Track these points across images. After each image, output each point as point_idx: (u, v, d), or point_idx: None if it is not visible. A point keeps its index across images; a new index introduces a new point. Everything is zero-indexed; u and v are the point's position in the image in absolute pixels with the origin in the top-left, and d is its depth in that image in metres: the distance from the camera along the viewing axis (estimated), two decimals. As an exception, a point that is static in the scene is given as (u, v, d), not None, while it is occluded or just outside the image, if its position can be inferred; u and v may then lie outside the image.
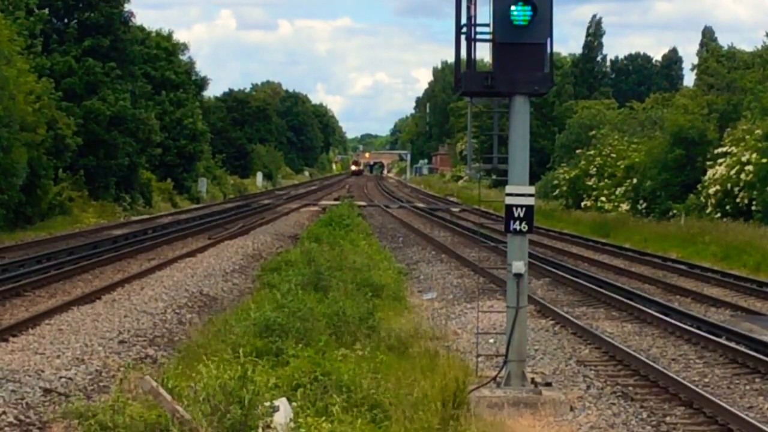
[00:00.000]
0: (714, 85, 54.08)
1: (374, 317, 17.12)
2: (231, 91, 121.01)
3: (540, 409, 13.16)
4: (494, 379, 13.68)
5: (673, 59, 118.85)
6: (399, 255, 34.53)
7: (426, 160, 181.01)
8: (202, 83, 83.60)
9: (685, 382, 14.36)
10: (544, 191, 64.80)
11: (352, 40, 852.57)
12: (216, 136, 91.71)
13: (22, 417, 12.73)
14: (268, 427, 9.53)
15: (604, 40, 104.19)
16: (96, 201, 52.60)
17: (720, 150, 45.06)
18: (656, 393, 14.40)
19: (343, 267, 23.49)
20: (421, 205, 73.08)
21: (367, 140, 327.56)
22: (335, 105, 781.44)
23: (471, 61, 13.74)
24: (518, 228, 13.50)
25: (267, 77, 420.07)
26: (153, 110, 63.34)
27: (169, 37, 76.05)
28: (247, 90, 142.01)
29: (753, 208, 41.29)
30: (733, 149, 43.76)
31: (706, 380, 15.36)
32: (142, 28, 69.46)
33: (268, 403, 9.71)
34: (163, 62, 72.67)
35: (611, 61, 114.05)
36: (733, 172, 42.63)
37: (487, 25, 13.50)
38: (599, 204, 57.21)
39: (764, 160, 40.82)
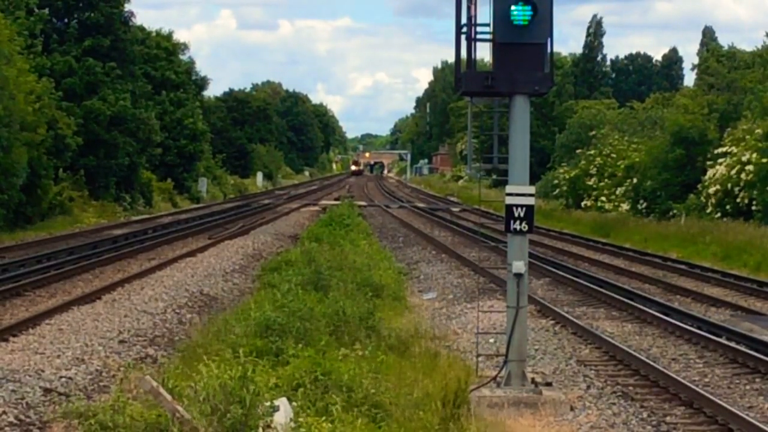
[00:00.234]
0: (714, 85, 54.06)
1: (374, 317, 17.12)
2: (231, 91, 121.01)
3: (540, 409, 13.16)
4: (494, 378, 13.68)
5: (673, 59, 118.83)
6: (399, 255, 34.53)
7: (426, 160, 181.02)
8: (202, 83, 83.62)
9: (685, 382, 14.36)
10: (544, 191, 64.78)
11: (352, 40, 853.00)
12: (216, 136, 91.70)
13: (22, 417, 12.74)
14: (269, 426, 9.53)
15: (605, 40, 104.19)
16: (96, 201, 52.60)
17: (720, 150, 45.04)
18: (656, 393, 14.40)
19: (343, 267, 23.50)
20: (421, 205, 73.07)
21: (368, 140, 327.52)
22: (335, 105, 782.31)
23: (471, 61, 13.74)
24: (518, 228, 13.50)
25: (267, 77, 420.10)
26: (153, 110, 63.34)
27: (169, 37, 76.05)
28: (248, 90, 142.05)
29: (753, 207, 41.28)
30: (734, 149, 43.74)
31: (707, 380, 15.36)
32: (142, 28, 69.47)
33: (268, 403, 9.71)
34: (163, 62, 72.67)
35: (611, 61, 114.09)
36: (733, 171, 42.61)
37: (488, 25, 13.50)
38: (599, 204, 57.19)
39: (764, 160, 40.80)
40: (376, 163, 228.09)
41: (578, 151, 64.80)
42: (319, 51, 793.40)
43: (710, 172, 44.85)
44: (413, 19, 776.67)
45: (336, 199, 71.49)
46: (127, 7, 56.98)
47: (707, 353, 17.22)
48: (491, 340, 17.36)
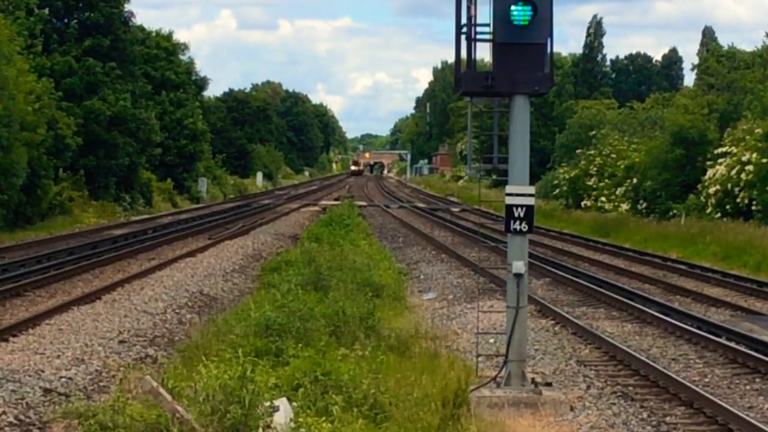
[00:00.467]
0: (714, 85, 54.06)
1: (374, 317, 17.12)
2: (231, 91, 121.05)
3: (540, 409, 13.15)
4: (494, 379, 13.68)
5: (673, 59, 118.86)
6: (399, 255, 34.53)
7: (426, 160, 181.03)
8: (202, 83, 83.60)
9: (685, 382, 14.36)
10: (544, 191, 64.78)
11: (352, 40, 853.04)
12: (216, 136, 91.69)
13: (22, 417, 12.74)
14: (268, 427, 9.53)
15: (605, 40, 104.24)
16: (96, 201, 52.60)
17: (720, 150, 45.04)
18: (656, 393, 14.40)
19: (343, 267, 23.50)
20: (421, 205, 73.08)
21: (368, 140, 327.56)
22: (335, 105, 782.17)
23: (471, 61, 13.74)
24: (518, 228, 13.50)
25: (267, 77, 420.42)
26: (153, 110, 63.34)
27: (169, 37, 76.07)
28: (248, 90, 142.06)
29: (753, 208, 41.28)
30: (734, 149, 43.74)
31: (707, 380, 15.36)
32: (142, 28, 69.48)
33: (268, 403, 9.71)
34: (163, 62, 72.67)
35: (611, 61, 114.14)
36: (733, 172, 42.61)
37: (488, 25, 13.49)
38: (599, 204, 57.19)
39: (764, 160, 40.81)
40: (376, 163, 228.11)
41: (578, 151, 64.81)
42: (319, 51, 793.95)
43: (710, 172, 44.85)
44: (413, 19, 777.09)
45: (336, 199, 71.50)
46: (127, 7, 57.09)
47: (707, 353, 17.22)
48: (491, 340, 17.36)
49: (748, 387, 14.94)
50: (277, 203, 68.66)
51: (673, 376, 14.80)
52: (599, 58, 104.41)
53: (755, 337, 17.82)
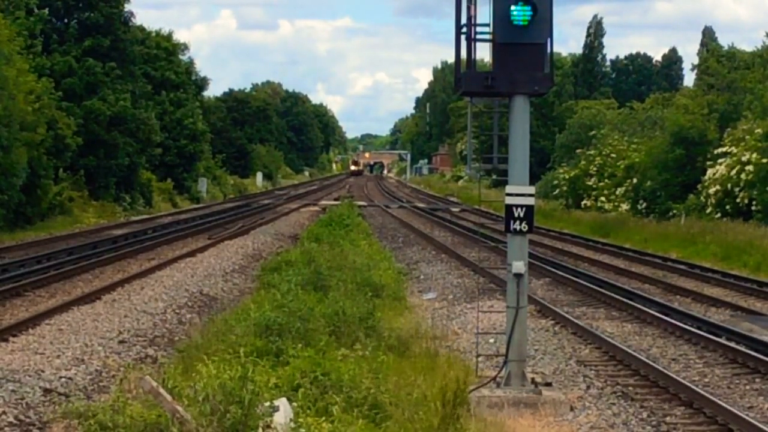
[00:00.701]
0: (714, 85, 54.04)
1: (374, 317, 17.12)
2: (231, 91, 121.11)
3: (540, 409, 13.15)
4: (494, 379, 13.68)
5: (673, 59, 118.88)
6: (399, 255, 34.53)
7: (426, 160, 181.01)
8: (202, 83, 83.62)
9: (685, 382, 14.36)
10: (544, 191, 64.77)
11: (352, 40, 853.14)
12: (216, 136, 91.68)
13: (22, 417, 12.74)
14: (268, 427, 9.53)
15: (605, 40, 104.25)
16: (96, 201, 52.61)
17: (720, 150, 45.04)
18: (656, 393, 14.40)
19: (343, 267, 23.49)
20: (421, 205, 73.08)
21: (368, 140, 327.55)
22: (335, 105, 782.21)
23: (471, 61, 13.74)
24: (518, 228, 13.50)
25: (267, 77, 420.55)
26: (153, 110, 63.34)
27: (169, 37, 76.07)
28: (248, 90, 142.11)
29: (753, 208, 41.28)
30: (733, 149, 43.74)
31: (706, 380, 15.36)
32: (142, 28, 69.48)
33: (268, 403, 9.71)
34: (163, 62, 72.67)
35: (611, 61, 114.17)
36: (733, 172, 42.61)
37: (487, 25, 13.49)
38: (599, 204, 57.19)
39: (764, 160, 40.80)
40: (375, 163, 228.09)
41: (578, 151, 64.80)
42: (319, 51, 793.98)
43: (710, 172, 44.85)
44: (413, 19, 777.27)
45: (336, 199, 71.50)
46: (127, 7, 57.11)
47: (707, 353, 17.22)
48: (491, 340, 17.36)
49: (748, 387, 14.94)
50: (277, 203, 68.67)
51: (673, 376, 14.80)
52: (599, 58, 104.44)
53: (755, 337, 17.82)
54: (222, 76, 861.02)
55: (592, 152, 61.41)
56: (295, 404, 10.71)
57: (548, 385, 13.96)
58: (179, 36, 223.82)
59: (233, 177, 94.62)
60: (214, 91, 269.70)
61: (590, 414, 13.25)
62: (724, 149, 44.70)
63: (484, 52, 13.69)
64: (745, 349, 16.93)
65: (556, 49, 14.41)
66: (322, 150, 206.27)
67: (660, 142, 52.19)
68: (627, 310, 21.80)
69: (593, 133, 65.67)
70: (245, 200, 75.13)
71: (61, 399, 13.49)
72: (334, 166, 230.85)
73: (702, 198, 45.07)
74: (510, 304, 13.65)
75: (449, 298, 24.28)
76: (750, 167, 41.54)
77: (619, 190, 56.03)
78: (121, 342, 17.58)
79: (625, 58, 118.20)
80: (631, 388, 14.67)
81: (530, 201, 13.58)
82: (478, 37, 13.66)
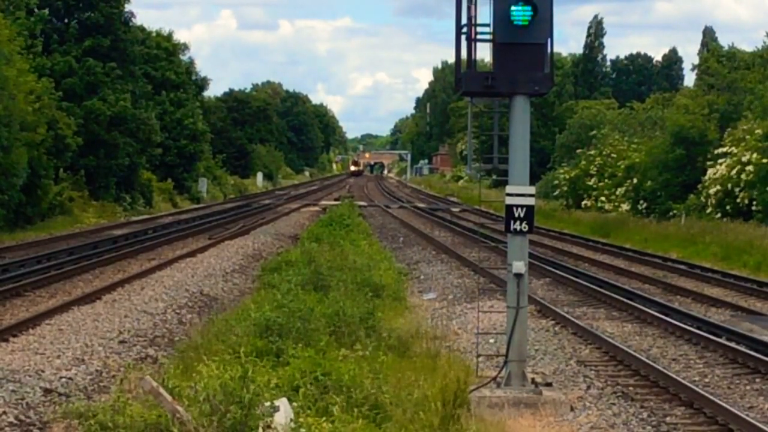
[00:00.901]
0: (714, 85, 54.04)
1: (374, 317, 17.12)
2: (231, 91, 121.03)
3: (540, 409, 13.15)
4: (494, 379, 13.68)
5: (673, 59, 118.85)
6: (399, 255, 34.53)
7: (426, 160, 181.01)
8: (202, 83, 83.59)
9: (685, 382, 14.36)
10: (544, 191, 64.77)
11: (352, 40, 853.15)
12: (216, 136, 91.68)
13: (22, 417, 12.74)
14: (269, 427, 9.53)
15: (605, 40, 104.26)
16: (96, 201, 52.61)
17: (720, 150, 45.04)
18: (656, 393, 14.40)
19: (343, 267, 23.49)
20: (421, 205, 73.07)
21: (368, 140, 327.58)
22: (336, 105, 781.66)
23: (471, 61, 13.74)
24: (518, 228, 13.50)
25: (267, 77, 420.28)
26: (153, 110, 63.34)
27: (169, 37, 76.06)
28: (248, 90, 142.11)
29: (753, 208, 41.28)
30: (734, 149, 43.75)
31: (707, 380, 15.36)
32: (142, 28, 69.45)
33: (268, 403, 9.71)
34: (163, 62, 72.67)
35: (611, 61, 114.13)
36: (733, 172, 42.62)
37: (488, 25, 13.49)
38: (599, 204, 57.19)
39: (765, 160, 40.81)
40: (376, 163, 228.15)
41: (578, 151, 64.81)
42: (319, 51, 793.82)
43: (710, 172, 44.86)
44: (413, 19, 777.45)
45: (336, 200, 71.49)
46: (128, 7, 57.11)
47: (707, 353, 17.22)
48: (491, 341, 17.36)
49: (748, 387, 14.94)
50: (277, 203, 68.66)
51: (674, 376, 14.80)
52: (599, 58, 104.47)
53: (755, 338, 17.82)
54: (222, 76, 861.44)
55: (592, 152, 61.41)
56: (295, 404, 10.71)
57: (548, 385, 13.95)
58: (179, 36, 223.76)
59: (233, 177, 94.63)
60: (214, 91, 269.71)
61: (590, 414, 13.25)
62: (724, 149, 44.70)
63: (484, 52, 13.70)
64: (746, 349, 16.93)
65: (556, 49, 14.43)
66: (323, 150, 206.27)
67: (660, 143, 52.20)
68: (627, 311, 21.79)
69: (593, 133, 65.67)
70: (245, 200, 75.13)
71: (61, 399, 13.50)
72: (334, 166, 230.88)
73: (702, 198, 45.08)
74: (510, 304, 13.65)
75: (449, 298, 24.28)
76: (750, 167, 41.54)
77: (620, 190, 56.03)
78: (121, 342, 17.58)
79: (626, 58, 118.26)
80: (631, 388, 14.67)
81: (530, 201, 13.58)
82: (479, 37, 13.66)
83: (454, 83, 14.56)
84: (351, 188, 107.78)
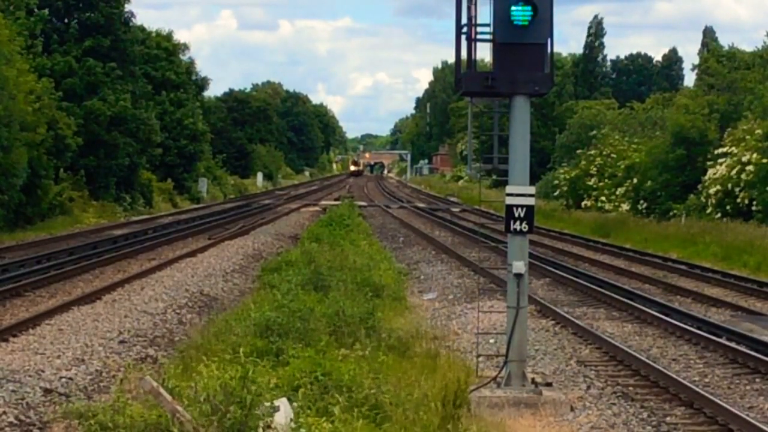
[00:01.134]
0: (714, 86, 54.04)
1: (374, 317, 17.11)
2: (231, 91, 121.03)
3: (540, 410, 13.16)
4: (495, 379, 13.68)
5: (673, 59, 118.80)
6: (399, 255, 34.53)
7: (426, 160, 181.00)
8: (202, 83, 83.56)
9: (685, 383, 14.36)
10: (544, 191, 64.75)
11: (352, 41, 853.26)
12: (216, 137, 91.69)
13: (22, 417, 12.74)
14: (269, 427, 9.53)
15: (605, 40, 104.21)
16: (96, 201, 52.61)
17: (720, 150, 45.04)
18: (657, 393, 14.40)
19: (343, 267, 23.50)
20: (421, 205, 73.08)
21: (368, 140, 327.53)
22: (336, 105, 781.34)
23: (471, 61, 13.74)
24: (518, 228, 13.50)
25: (267, 77, 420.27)
26: (153, 110, 63.34)
27: (169, 37, 76.05)
28: (248, 90, 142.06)
29: (753, 208, 41.28)
30: (734, 149, 43.75)
31: (707, 380, 15.36)
32: (142, 29, 69.45)
33: (268, 404, 9.70)
34: (163, 62, 72.66)
35: (612, 61, 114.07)
36: (733, 172, 42.62)
37: (488, 25, 13.49)
38: (599, 204, 57.18)
39: (765, 160, 40.81)
40: (376, 163, 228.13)
41: (578, 151, 64.79)
42: (319, 51, 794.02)
43: (710, 173, 44.86)
44: (413, 20, 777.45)
45: (336, 200, 71.49)
46: (128, 7, 57.11)
47: (707, 353, 17.22)
48: (491, 341, 17.35)
49: (748, 387, 14.94)
50: (277, 203, 68.66)
51: (674, 376, 14.80)
52: (599, 58, 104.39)
53: (755, 338, 17.82)
54: (222, 76, 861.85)
55: (592, 152, 61.40)
56: (295, 404, 10.70)
57: (548, 385, 13.96)
58: (180, 36, 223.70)
59: (233, 177, 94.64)
60: (214, 91, 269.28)
61: (590, 414, 13.25)
62: (724, 149, 44.70)
63: (484, 53, 13.71)
64: (746, 349, 16.93)
65: (556, 49, 14.42)
66: (323, 150, 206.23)
67: (660, 143, 52.20)
68: (627, 311, 21.80)
69: (593, 133, 65.66)
70: (245, 200, 75.14)
71: (61, 399, 13.50)
72: (334, 166, 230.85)
73: (702, 198, 45.07)
74: (510, 305, 13.65)
75: (449, 298, 24.28)
76: (750, 167, 41.54)
77: (620, 191, 56.03)
78: (121, 342, 17.58)
79: (626, 58, 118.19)
80: (631, 388, 14.67)
81: (530, 201, 13.58)
82: (479, 37, 13.66)
83: (454, 83, 14.56)
84: (351, 188, 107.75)
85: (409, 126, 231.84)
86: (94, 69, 53.40)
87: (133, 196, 58.41)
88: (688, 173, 48.24)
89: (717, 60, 58.57)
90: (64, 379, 14.65)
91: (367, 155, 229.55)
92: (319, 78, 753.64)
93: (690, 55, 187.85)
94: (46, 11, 54.32)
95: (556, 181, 64.87)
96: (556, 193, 64.46)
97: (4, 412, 12.71)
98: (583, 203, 59.56)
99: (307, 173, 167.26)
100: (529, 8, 13.15)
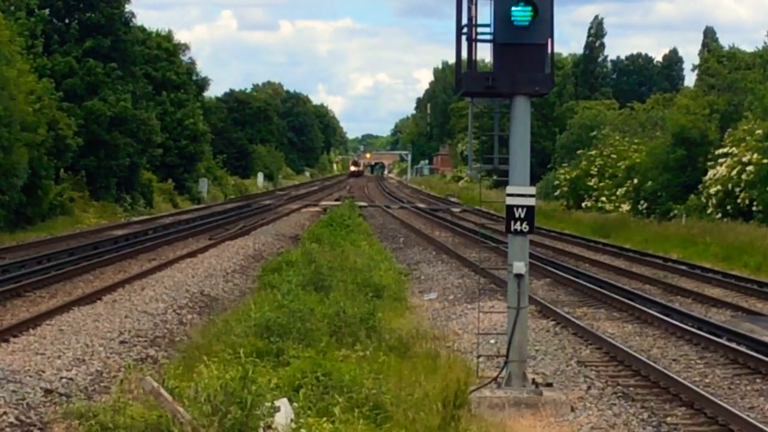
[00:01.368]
0: (715, 86, 54.04)
1: (375, 318, 17.11)
2: (232, 91, 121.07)
3: (541, 410, 13.16)
4: (495, 379, 13.68)
5: (673, 60, 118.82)
6: (400, 255, 34.53)
7: (427, 161, 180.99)
8: (203, 84, 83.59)
9: (686, 383, 14.36)
10: (544, 192, 64.78)
11: (353, 41, 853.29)
12: (217, 137, 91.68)
13: (23, 417, 12.74)
14: (269, 427, 9.53)
15: (605, 40, 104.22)
16: (97, 201, 52.63)
17: (721, 150, 45.06)
18: (657, 393, 14.40)
19: (343, 267, 23.49)
20: (421, 205, 73.07)
21: (368, 141, 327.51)
22: (336, 105, 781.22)
23: (472, 61, 13.74)
24: (519, 228, 13.50)
25: (268, 78, 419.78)
26: (154, 111, 63.35)
27: (169, 37, 76.06)
28: (248, 90, 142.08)
29: (754, 208, 41.29)
30: (734, 150, 43.75)
31: (707, 381, 15.36)
32: (142, 29, 69.48)
33: (269, 404, 9.71)
34: (164, 63, 72.67)
35: (612, 61, 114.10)
36: (734, 172, 42.63)
37: (488, 25, 13.50)
38: (600, 204, 57.20)
39: (765, 161, 40.81)
40: (376, 163, 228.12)
41: (579, 151, 64.83)
42: (319, 51, 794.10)
43: (711, 173, 44.87)
44: (414, 20, 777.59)
45: (336, 200, 71.49)
46: (128, 7, 57.11)
47: (708, 354, 17.22)
48: (492, 341, 17.36)
49: (748, 387, 14.94)
50: (277, 204, 68.66)
51: (674, 376, 14.80)
52: (600, 58, 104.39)
53: (756, 338, 17.81)
54: (223, 77, 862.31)
55: (592, 153, 61.42)
56: (296, 405, 10.71)
57: (549, 385, 13.96)
58: (180, 36, 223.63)
59: (234, 177, 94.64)
60: (214, 91, 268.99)
61: (591, 414, 13.25)
62: (724, 150, 44.71)
63: (484, 53, 13.71)
64: (746, 349, 16.93)
65: (556, 49, 14.43)
66: (323, 150, 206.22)
67: (661, 143, 52.21)
68: (628, 311, 21.79)
69: (594, 133, 65.69)
70: (246, 201, 75.14)
71: (61, 399, 13.50)
72: (334, 166, 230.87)
73: (703, 198, 45.08)
74: (511, 305, 13.65)
75: (450, 298, 24.28)
76: (751, 168, 41.55)
77: (620, 191, 56.04)
78: (121, 342, 17.58)
79: (626, 58, 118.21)
80: (631, 388, 14.67)
81: (531, 201, 13.58)
82: (479, 37, 13.66)
83: (455, 84, 14.57)
84: (351, 189, 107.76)
85: (410, 126, 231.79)
86: (95, 69, 53.41)
87: (134, 197, 58.41)
88: (689, 173, 48.24)
89: (717, 60, 58.56)
90: (64, 380, 14.65)
91: (367, 155, 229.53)
92: (320, 78, 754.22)
93: (690, 55, 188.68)
94: (47, 11, 54.36)
95: (557, 182, 64.88)
96: (556, 194, 64.47)
97: (5, 413, 12.71)
98: (583, 203, 59.57)
99: (307, 174, 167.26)
100: (530, 8, 13.15)
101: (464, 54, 13.79)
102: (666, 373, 14.95)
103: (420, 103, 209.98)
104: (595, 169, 59.90)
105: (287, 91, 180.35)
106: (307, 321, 15.48)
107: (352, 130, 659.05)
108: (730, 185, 42.83)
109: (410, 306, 22.36)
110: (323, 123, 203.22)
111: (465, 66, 13.83)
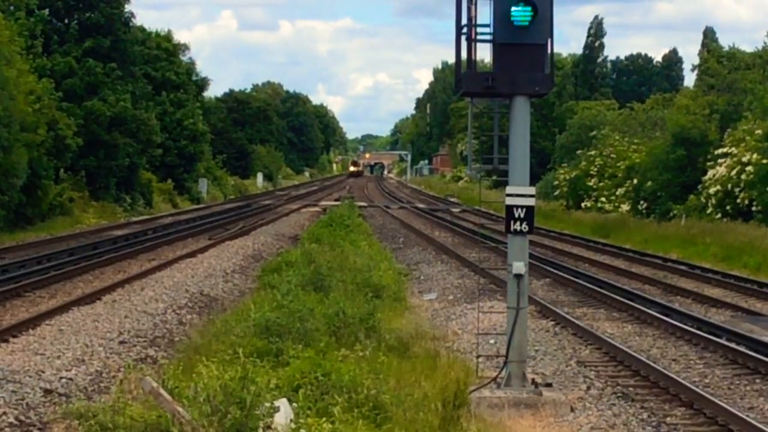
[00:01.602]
0: (715, 86, 54.04)
1: (375, 318, 17.11)
2: (232, 91, 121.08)
3: (540, 410, 13.16)
4: (495, 379, 13.68)
5: (673, 60, 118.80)
6: (399, 255, 34.53)
7: (426, 161, 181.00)
8: (202, 84, 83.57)
9: (685, 383, 14.36)
10: (544, 192, 64.77)
11: (352, 41, 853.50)
12: (216, 137, 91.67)
13: (22, 417, 12.73)
14: (269, 427, 9.53)
15: (605, 40, 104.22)
16: (96, 201, 52.62)
17: (720, 150, 45.05)
18: (657, 394, 14.40)
19: (343, 267, 23.49)
20: (421, 205, 73.07)
21: (368, 141, 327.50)
22: (336, 105, 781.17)
23: (471, 61, 13.74)
24: (519, 228, 13.50)
25: (268, 78, 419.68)
26: (153, 111, 63.35)
27: (169, 37, 76.05)
28: (248, 90, 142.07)
29: (753, 208, 41.28)
30: (734, 150, 43.75)
31: (707, 381, 15.36)
32: (142, 29, 69.47)
33: (268, 404, 9.70)
34: (163, 63, 72.67)
35: (612, 61, 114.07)
36: (733, 172, 42.63)
37: (488, 25, 13.50)
38: (600, 204, 57.19)
39: (765, 161, 40.81)
40: (376, 163, 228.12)
41: (578, 151, 64.82)
42: (319, 51, 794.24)
43: (710, 173, 44.86)
44: (414, 20, 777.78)
45: (336, 200, 71.48)
46: (128, 7, 57.11)
47: (707, 354, 17.22)
48: (491, 341, 17.36)
49: (748, 388, 14.94)
50: (277, 204, 68.65)
51: (674, 376, 14.80)
52: (600, 58, 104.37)
53: (756, 338, 17.81)
54: (222, 77, 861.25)
55: (592, 153, 61.42)
56: (295, 405, 10.70)
57: (548, 385, 13.96)
58: (180, 36, 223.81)
59: (234, 177, 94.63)
60: (214, 91, 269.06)
61: (590, 415, 13.25)
62: (724, 150, 44.70)
63: (484, 53, 13.71)
64: (746, 349, 16.93)
65: (556, 49, 14.42)
66: (323, 151, 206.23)
67: (660, 143, 52.20)
68: (627, 311, 21.79)
69: (594, 133, 65.68)
70: (246, 201, 75.13)
71: (61, 399, 13.49)
72: (334, 166, 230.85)
73: (702, 198, 45.08)
74: (510, 305, 13.65)
75: (449, 298, 24.28)
76: (750, 168, 41.55)
77: (620, 191, 56.04)
78: (121, 342, 17.57)
79: (626, 58, 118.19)
80: (631, 388, 14.67)
81: (530, 201, 13.58)
82: (479, 37, 13.66)
83: (455, 84, 14.56)
84: (351, 189, 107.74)
85: (409, 126, 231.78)
86: (94, 69, 53.40)
87: (134, 197, 58.41)
88: (689, 174, 48.23)
89: (717, 60, 58.57)
90: (64, 380, 14.65)
91: (367, 156, 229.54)
92: (320, 78, 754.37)
93: (690, 55, 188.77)
94: (46, 12, 54.35)
95: (556, 182, 64.88)
96: (556, 194, 64.47)
97: (5, 413, 12.71)
98: (583, 204, 59.57)
99: (307, 174, 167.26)
100: (529, 8, 13.16)
101: (464, 54, 13.79)
102: (666, 374, 14.95)
103: (420, 103, 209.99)
104: (595, 170, 59.89)
105: (287, 91, 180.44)
106: (307, 321, 15.47)
107: (351, 130, 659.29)
108: (729, 185, 42.82)
109: (410, 306, 22.36)
110: (323, 123, 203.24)
111: (465, 66, 13.83)
